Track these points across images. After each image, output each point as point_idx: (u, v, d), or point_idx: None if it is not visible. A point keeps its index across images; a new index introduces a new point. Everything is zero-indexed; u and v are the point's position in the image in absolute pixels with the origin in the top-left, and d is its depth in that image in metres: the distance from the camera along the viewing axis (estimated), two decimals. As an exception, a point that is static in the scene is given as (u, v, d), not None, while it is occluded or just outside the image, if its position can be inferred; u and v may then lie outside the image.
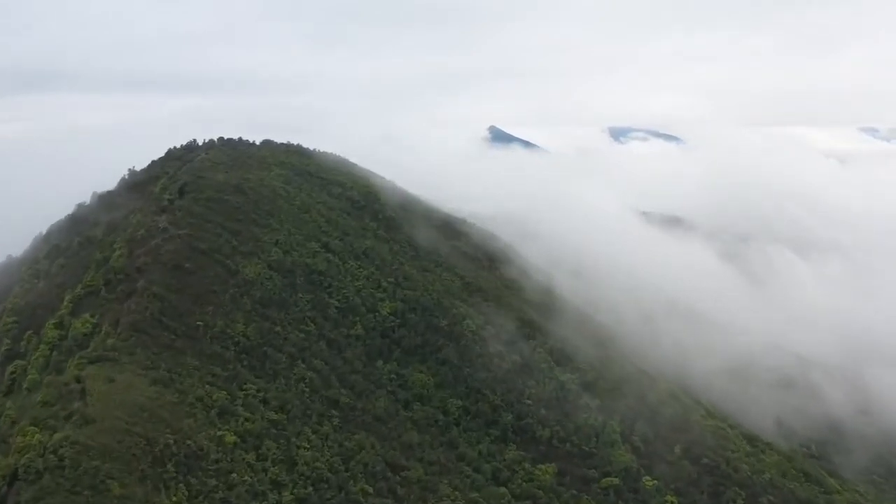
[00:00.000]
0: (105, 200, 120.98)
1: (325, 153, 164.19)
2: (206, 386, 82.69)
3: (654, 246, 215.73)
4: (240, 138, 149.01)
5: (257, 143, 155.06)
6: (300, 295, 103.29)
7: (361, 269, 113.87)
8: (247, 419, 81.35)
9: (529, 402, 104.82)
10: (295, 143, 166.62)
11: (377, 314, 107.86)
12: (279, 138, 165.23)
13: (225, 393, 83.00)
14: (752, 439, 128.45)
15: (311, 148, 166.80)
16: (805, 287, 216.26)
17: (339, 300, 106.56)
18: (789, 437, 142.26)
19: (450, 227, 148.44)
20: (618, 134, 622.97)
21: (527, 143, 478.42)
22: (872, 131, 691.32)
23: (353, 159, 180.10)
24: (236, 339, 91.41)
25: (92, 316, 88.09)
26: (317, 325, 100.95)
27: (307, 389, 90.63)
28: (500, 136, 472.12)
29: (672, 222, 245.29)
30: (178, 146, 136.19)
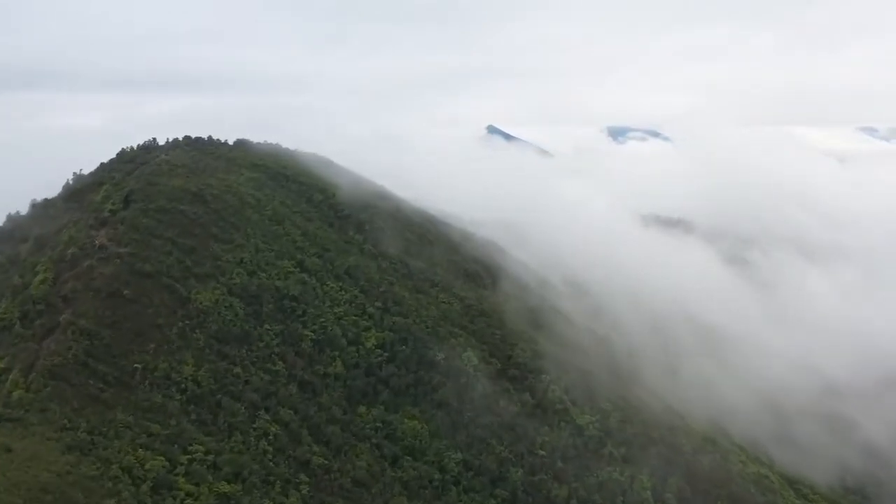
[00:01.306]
0: (39, 211, 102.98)
1: (307, 154, 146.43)
2: (139, 451, 65.15)
3: (659, 253, 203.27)
4: (209, 137, 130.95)
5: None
6: (267, 326, 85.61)
7: (343, 292, 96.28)
8: (189, 494, 63.95)
9: (543, 452, 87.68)
10: (275, 141, 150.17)
11: (361, 347, 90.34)
12: (274, 138, 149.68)
13: (162, 459, 65.49)
14: (793, 482, 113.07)
15: (294, 148, 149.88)
16: (817, 295, 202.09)
17: (314, 331, 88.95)
18: (826, 469, 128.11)
19: (447, 239, 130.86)
20: (616, 134, 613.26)
21: (525, 143, 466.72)
22: (871, 131, 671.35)
23: (349, 159, 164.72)
24: (183, 386, 73.78)
25: (0, 359, 70.35)
26: (286, 363, 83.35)
27: (270, 448, 73.07)
28: (498, 136, 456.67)
29: (673, 225, 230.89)
30: (135, 146, 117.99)
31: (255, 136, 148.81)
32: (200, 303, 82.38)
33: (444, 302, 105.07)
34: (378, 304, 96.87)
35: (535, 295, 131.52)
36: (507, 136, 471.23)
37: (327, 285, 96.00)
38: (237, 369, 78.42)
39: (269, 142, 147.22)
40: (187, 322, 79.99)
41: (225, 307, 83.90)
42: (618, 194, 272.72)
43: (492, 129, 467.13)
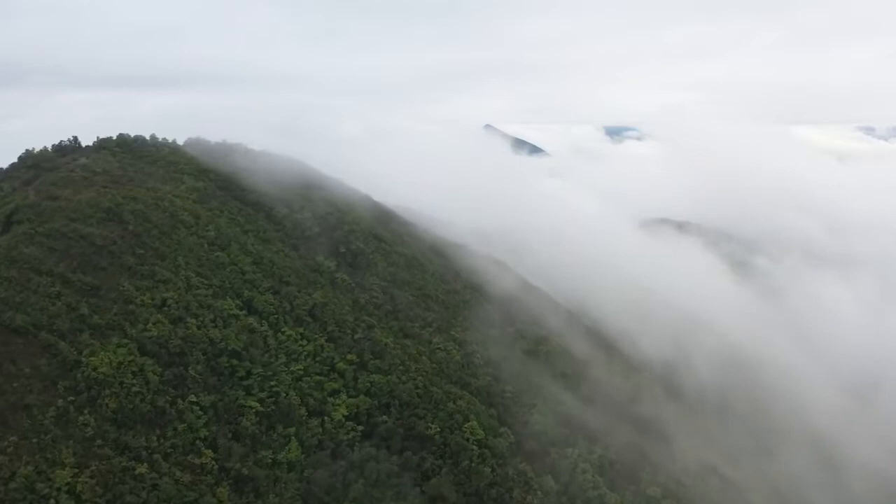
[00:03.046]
0: None
1: (275, 156, 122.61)
2: None
3: (666, 264, 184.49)
4: (152, 136, 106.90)
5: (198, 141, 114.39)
6: (193, 398, 61.53)
7: (305, 342, 72.32)
8: None
9: (573, 564, 64.09)
10: (261, 142, 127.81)
11: (326, 420, 66.52)
12: (268, 137, 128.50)
13: None
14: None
15: (260, 149, 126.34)
16: (833, 305, 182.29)
17: (262, 400, 65.04)
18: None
19: (442, 260, 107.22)
20: (613, 133, 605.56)
21: (522, 143, 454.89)
22: (869, 130, 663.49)
23: (335, 161, 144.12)
24: (53, 502, 49.65)
25: None
26: (217, 451, 59.30)
27: None
28: (495, 135, 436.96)
29: (676, 228, 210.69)
30: (48, 147, 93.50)
31: (246, 136, 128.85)
32: (95, 368, 58.24)
33: (439, 349, 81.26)
34: (352, 356, 72.94)
35: (548, 328, 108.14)
36: (504, 135, 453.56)
37: (283, 333, 72.02)
38: (141, 468, 54.30)
39: (259, 143, 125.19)
40: (72, 399, 55.85)
41: (132, 373, 59.73)
42: (616, 196, 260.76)
43: (489, 128, 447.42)
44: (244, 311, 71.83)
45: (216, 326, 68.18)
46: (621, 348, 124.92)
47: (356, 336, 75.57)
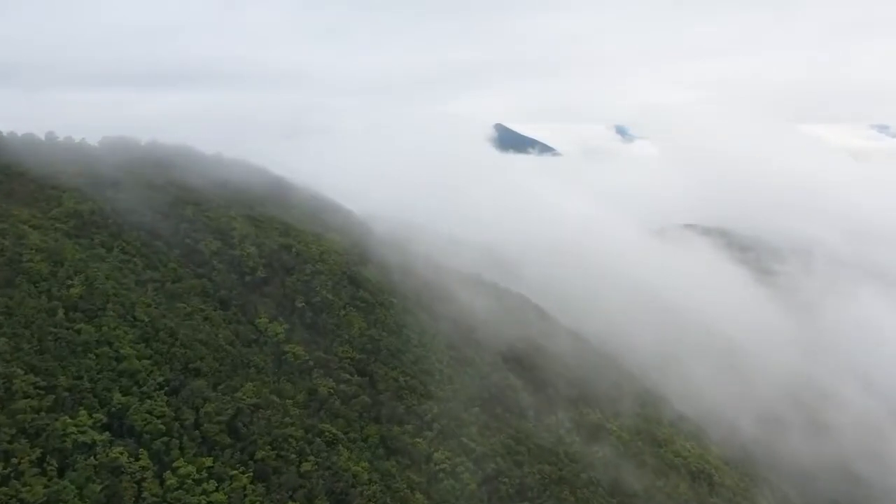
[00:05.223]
0: None
1: (227, 162, 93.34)
2: None
3: (689, 273, 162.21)
4: (48, 134, 78.17)
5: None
6: None
7: (212, 488, 41.86)
8: None
9: None
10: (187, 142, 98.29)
11: None
12: (268, 136, 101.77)
13: None
14: None
15: (214, 152, 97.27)
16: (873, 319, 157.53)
17: None
18: None
19: (450, 309, 76.32)
20: (625, 131, 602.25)
21: (534, 142, 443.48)
22: (882, 128, 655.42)
23: (339, 163, 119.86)
24: None
25: None
26: None
27: None
28: (506, 135, 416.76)
29: (687, 231, 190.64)
30: None
31: (242, 137, 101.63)
32: None
33: (443, 472, 50.70)
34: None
35: (594, 403, 77.50)
36: (516, 136, 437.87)
37: (176, 472, 41.59)
38: None
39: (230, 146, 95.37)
40: None
41: None
42: (628, 198, 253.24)
43: (499, 128, 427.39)
44: (106, 435, 41.41)
45: (44, 474, 37.83)
46: (674, 409, 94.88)
47: (304, 465, 45.07)
